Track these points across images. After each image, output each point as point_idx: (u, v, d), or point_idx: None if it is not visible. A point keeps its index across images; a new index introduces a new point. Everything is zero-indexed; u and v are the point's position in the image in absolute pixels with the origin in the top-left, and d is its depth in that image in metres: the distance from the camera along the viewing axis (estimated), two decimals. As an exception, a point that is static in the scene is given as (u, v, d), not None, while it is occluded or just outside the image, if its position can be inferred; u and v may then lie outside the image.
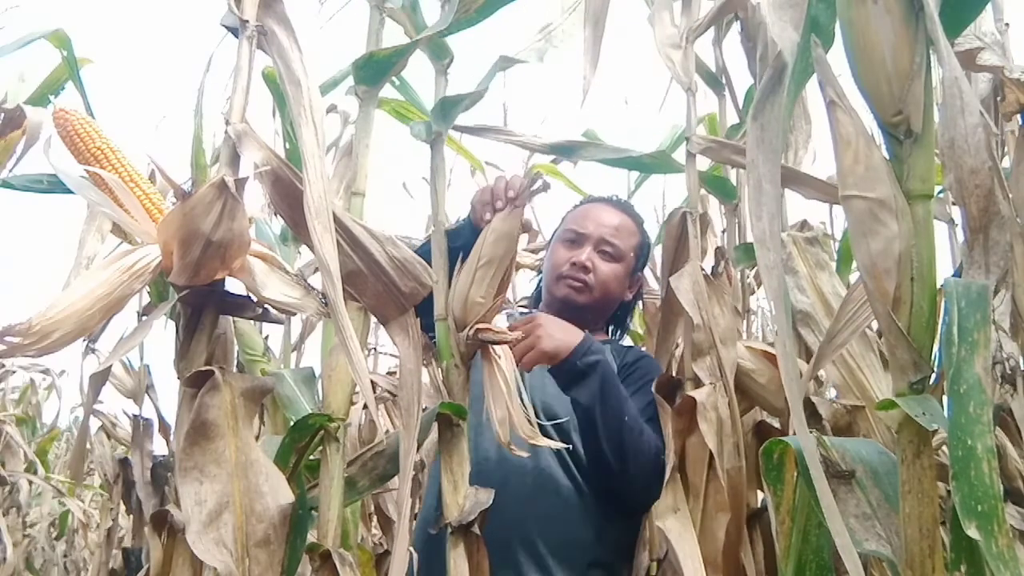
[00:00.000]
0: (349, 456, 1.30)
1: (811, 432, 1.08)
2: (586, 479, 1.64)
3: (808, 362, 1.79)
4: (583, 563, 1.59)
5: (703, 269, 1.71)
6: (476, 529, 1.29)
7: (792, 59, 0.80)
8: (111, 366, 1.89)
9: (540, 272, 2.05)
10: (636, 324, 2.84)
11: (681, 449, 1.61)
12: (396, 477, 1.51)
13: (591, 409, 1.53)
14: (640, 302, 2.79)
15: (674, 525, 1.51)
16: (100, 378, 1.72)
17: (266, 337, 2.44)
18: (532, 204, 3.68)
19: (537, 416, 1.53)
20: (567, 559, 1.58)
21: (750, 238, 1.89)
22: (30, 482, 4.24)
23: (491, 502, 1.31)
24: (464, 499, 1.30)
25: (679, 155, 1.88)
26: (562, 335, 1.56)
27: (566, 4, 1.54)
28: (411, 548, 1.15)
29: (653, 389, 1.65)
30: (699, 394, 1.59)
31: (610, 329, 1.94)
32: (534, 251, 2.96)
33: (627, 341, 2.08)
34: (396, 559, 1.07)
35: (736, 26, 2.10)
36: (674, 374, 1.75)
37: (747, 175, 0.81)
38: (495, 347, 1.40)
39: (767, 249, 0.77)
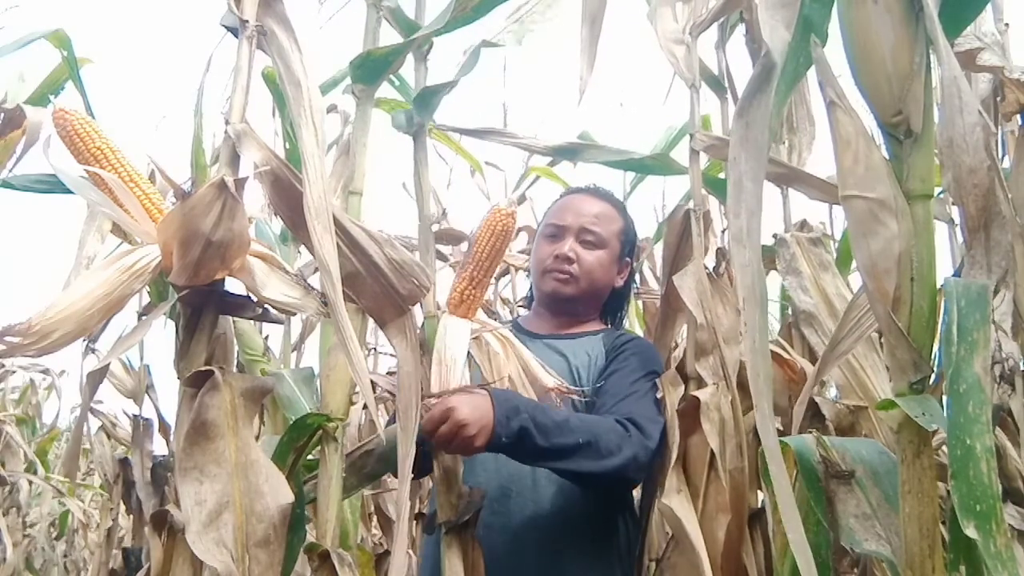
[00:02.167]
0: (345, 455, 1.30)
1: (810, 432, 1.08)
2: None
3: (812, 363, 1.79)
4: (595, 554, 1.59)
5: (706, 268, 1.70)
6: (470, 528, 1.28)
7: (781, 58, 0.79)
8: (109, 365, 1.89)
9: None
10: (636, 324, 2.83)
11: (684, 448, 1.61)
12: (391, 476, 1.50)
13: (542, 463, 1.46)
14: (640, 301, 2.79)
15: (679, 505, 1.53)
16: (98, 377, 1.71)
17: (266, 337, 2.44)
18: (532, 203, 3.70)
19: None
20: (581, 551, 1.57)
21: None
22: (30, 482, 4.25)
23: (484, 501, 1.31)
24: (458, 498, 1.30)
25: (675, 155, 1.87)
26: (477, 414, 1.34)
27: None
28: (409, 551, 1.15)
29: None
30: (703, 394, 1.59)
31: (607, 319, 1.93)
32: (527, 253, 2.97)
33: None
34: (396, 560, 1.07)
35: (740, 29, 2.10)
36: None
37: (728, 172, 0.80)
38: (489, 339, 1.39)
39: (743, 247, 0.77)
